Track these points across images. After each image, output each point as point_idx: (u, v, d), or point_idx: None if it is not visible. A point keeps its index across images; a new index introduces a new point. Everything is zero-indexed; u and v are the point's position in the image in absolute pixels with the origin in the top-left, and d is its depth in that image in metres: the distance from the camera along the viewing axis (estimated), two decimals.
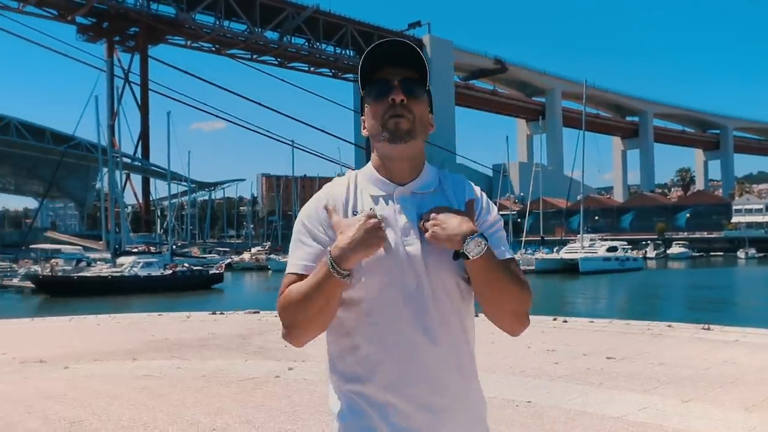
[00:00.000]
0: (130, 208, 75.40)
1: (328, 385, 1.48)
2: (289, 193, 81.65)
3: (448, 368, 1.40)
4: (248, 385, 5.95)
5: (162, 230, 54.90)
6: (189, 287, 37.09)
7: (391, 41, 1.44)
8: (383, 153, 1.47)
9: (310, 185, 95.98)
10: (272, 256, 59.30)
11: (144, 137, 77.62)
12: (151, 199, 77.64)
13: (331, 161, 79.69)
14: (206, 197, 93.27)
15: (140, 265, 38.51)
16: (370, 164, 1.52)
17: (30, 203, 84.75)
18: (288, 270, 1.44)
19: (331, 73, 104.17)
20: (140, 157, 76.68)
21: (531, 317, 1.50)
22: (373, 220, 1.35)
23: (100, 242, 44.86)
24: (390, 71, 1.44)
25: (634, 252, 58.34)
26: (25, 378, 6.27)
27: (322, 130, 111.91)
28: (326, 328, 1.43)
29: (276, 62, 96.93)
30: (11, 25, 71.80)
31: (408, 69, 1.45)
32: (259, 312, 11.76)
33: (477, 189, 1.53)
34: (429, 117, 1.50)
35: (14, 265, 44.17)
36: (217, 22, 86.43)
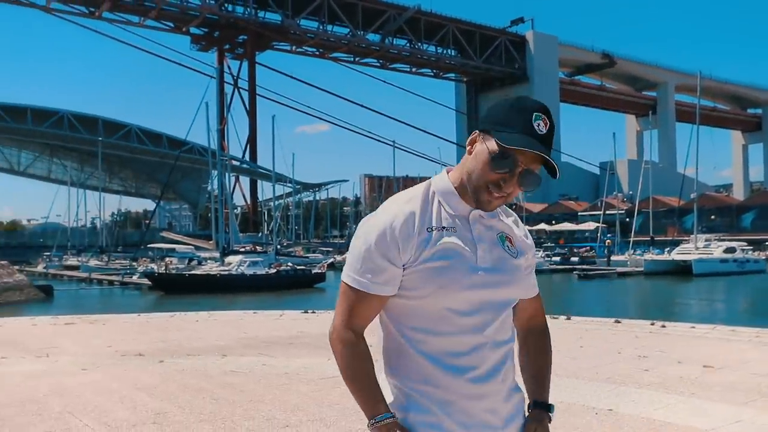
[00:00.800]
0: (239, 209, 78.61)
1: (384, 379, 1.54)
2: (390, 193, 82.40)
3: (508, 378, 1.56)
4: (327, 384, 6.05)
5: (269, 230, 56.74)
6: (292, 286, 38.14)
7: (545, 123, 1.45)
8: (468, 194, 1.52)
9: (411, 185, 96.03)
10: None
11: (252, 141, 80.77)
12: (258, 200, 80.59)
13: (432, 161, 79.82)
14: (311, 198, 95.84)
15: (246, 264, 40.06)
16: (446, 180, 1.55)
17: (149, 205, 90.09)
18: (351, 282, 1.49)
19: (432, 73, 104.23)
20: (248, 159, 79.84)
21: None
22: None
23: (210, 242, 46.96)
24: (531, 144, 1.42)
25: (756, 253, 54.57)
26: (124, 370, 6.65)
27: (423, 130, 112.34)
28: None
29: (378, 64, 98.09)
30: (131, 38, 76.73)
31: (543, 148, 1.43)
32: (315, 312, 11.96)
33: (522, 226, 1.66)
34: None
35: (134, 263, 47.09)
36: (321, 27, 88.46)
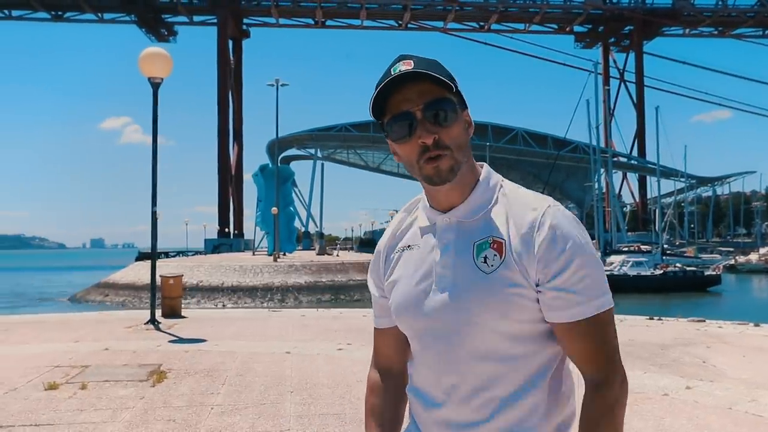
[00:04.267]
0: (627, 206, 75.62)
1: None
2: None
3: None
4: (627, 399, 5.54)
5: (659, 229, 53.43)
6: (680, 288, 35.44)
7: (402, 65, 1.21)
8: (429, 190, 1.29)
9: None
10: None
11: (640, 135, 76.88)
12: (647, 197, 76.37)
13: None
14: (710, 193, 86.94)
15: (630, 264, 38.49)
16: None
17: None
18: (374, 322, 1.45)
19: None
20: (636, 155, 76.25)
21: None
22: None
23: (593, 241, 46.25)
24: (406, 94, 1.20)
25: None
26: None
27: None
28: None
29: None
30: (514, 45, 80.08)
31: (428, 83, 1.19)
32: (704, 321, 10.59)
33: (546, 215, 1.20)
34: (468, 127, 1.26)
35: None
36: (720, 3, 79.74)
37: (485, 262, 1.20)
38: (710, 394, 5.77)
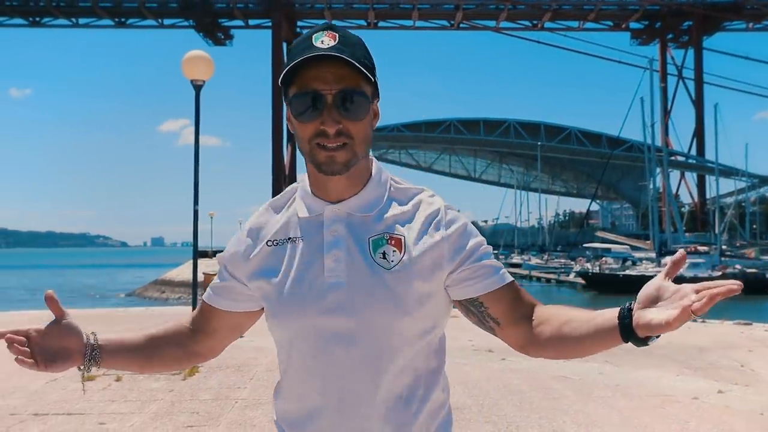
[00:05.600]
0: (686, 207, 73.50)
1: None
2: None
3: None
4: (653, 402, 5.46)
5: (719, 230, 51.72)
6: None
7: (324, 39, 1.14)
8: (318, 177, 1.22)
9: None
10: None
11: (699, 133, 74.55)
12: (706, 197, 73.99)
13: None
14: None
15: (686, 265, 37.22)
16: (306, 174, 1.27)
17: (592, 206, 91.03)
18: (205, 293, 1.36)
19: None
20: (695, 153, 73.96)
21: None
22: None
23: (648, 242, 45.15)
24: (321, 73, 1.13)
25: None
26: (464, 364, 7.07)
27: None
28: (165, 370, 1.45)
29: None
30: (568, 43, 78.74)
31: (347, 67, 1.13)
32: (750, 324, 10.24)
33: (437, 202, 1.24)
34: (374, 119, 1.23)
35: (571, 262, 48.25)
36: None
37: (384, 257, 1.17)
38: (743, 399, 5.62)
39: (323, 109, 1.13)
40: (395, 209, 1.22)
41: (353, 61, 1.12)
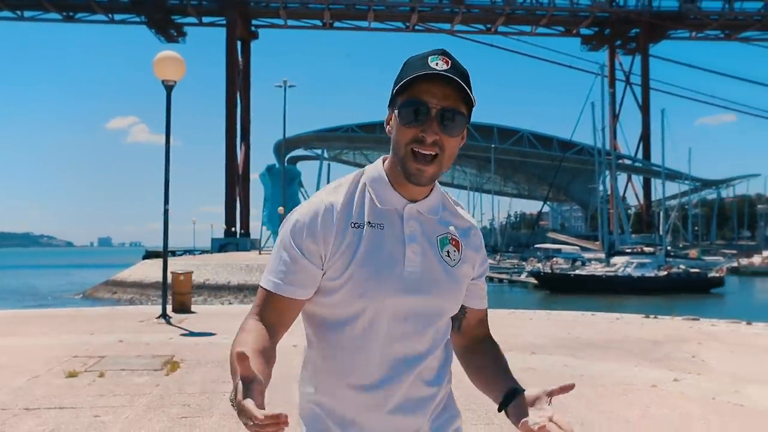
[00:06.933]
0: (632, 209, 75.73)
1: None
2: None
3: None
4: (616, 390, 5.88)
5: (663, 232, 53.57)
6: (683, 290, 35.66)
7: (443, 61, 1.30)
8: (401, 176, 1.36)
9: None
10: None
11: (645, 137, 76.94)
12: (652, 199, 76.44)
13: None
14: (714, 196, 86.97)
15: (633, 265, 38.71)
16: (380, 169, 1.41)
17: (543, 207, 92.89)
18: (262, 282, 1.37)
19: None
20: (641, 157, 76.31)
21: None
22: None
23: (596, 242, 46.49)
24: (432, 88, 1.29)
25: None
26: None
27: None
28: None
29: None
30: (520, 47, 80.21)
31: (453, 89, 1.29)
32: (698, 319, 10.89)
33: (475, 226, 1.48)
34: (461, 142, 1.36)
35: (523, 263, 49.27)
36: (726, 6, 79.70)
37: (449, 255, 1.39)
38: (696, 386, 6.09)
39: (426, 120, 1.29)
40: (449, 216, 1.44)
41: (463, 84, 1.28)
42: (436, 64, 1.29)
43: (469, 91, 1.30)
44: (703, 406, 5.44)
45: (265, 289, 1.35)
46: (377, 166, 1.41)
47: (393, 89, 1.34)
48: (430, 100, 1.28)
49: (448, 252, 1.38)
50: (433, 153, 1.30)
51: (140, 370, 6.73)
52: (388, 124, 1.37)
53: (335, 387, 1.36)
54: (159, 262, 37.34)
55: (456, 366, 1.48)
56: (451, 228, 1.42)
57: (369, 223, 1.34)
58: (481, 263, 1.46)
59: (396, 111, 1.33)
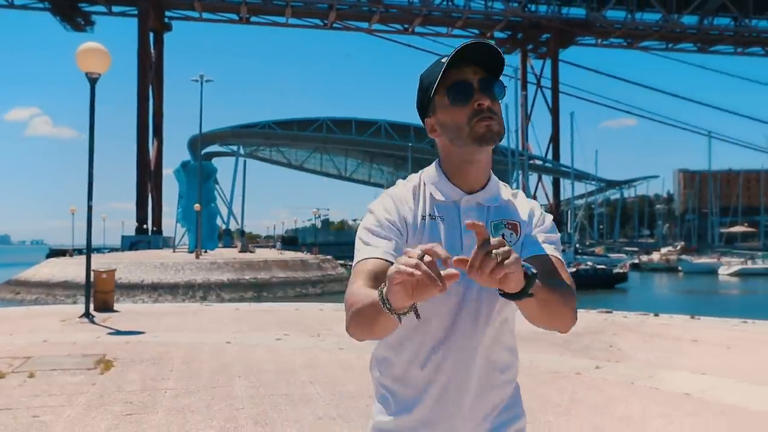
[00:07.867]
0: (543, 207, 78.63)
1: None
2: (704, 189, 74.98)
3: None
4: (546, 378, 6.24)
5: (572, 230, 55.96)
6: (591, 285, 37.21)
7: (475, 44, 1.39)
8: (465, 158, 1.44)
9: (734, 181, 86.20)
10: (684, 256, 55.44)
11: (554, 139, 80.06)
12: (560, 199, 79.69)
13: (759, 150, 70.35)
14: (617, 196, 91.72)
15: None
16: (435, 167, 1.50)
17: None
18: (365, 255, 1.37)
19: (763, 52, 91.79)
20: (551, 158, 79.37)
21: None
22: (428, 258, 1.05)
23: None
24: (468, 71, 1.41)
25: None
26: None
27: (749, 117, 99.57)
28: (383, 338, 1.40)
29: (694, 48, 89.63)
30: (437, 48, 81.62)
31: (484, 69, 1.42)
32: (611, 312, 11.59)
33: (536, 206, 1.52)
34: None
35: None
36: (629, 16, 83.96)
37: (504, 239, 1.32)
38: (616, 373, 6.55)
39: (473, 93, 1.40)
40: (507, 203, 1.49)
41: (498, 50, 1.39)
42: (452, 56, 1.38)
43: (495, 57, 1.40)
44: (624, 389, 5.88)
45: (361, 260, 1.37)
46: (433, 166, 1.51)
47: (422, 99, 1.47)
48: (468, 77, 1.40)
49: (503, 236, 1.41)
50: (493, 116, 1.41)
51: (72, 369, 6.57)
52: (434, 131, 1.47)
53: (401, 372, 1.43)
54: (65, 260, 35.96)
55: None
56: (509, 213, 1.47)
57: (430, 215, 1.44)
58: (540, 229, 1.46)
59: (444, 99, 1.42)
